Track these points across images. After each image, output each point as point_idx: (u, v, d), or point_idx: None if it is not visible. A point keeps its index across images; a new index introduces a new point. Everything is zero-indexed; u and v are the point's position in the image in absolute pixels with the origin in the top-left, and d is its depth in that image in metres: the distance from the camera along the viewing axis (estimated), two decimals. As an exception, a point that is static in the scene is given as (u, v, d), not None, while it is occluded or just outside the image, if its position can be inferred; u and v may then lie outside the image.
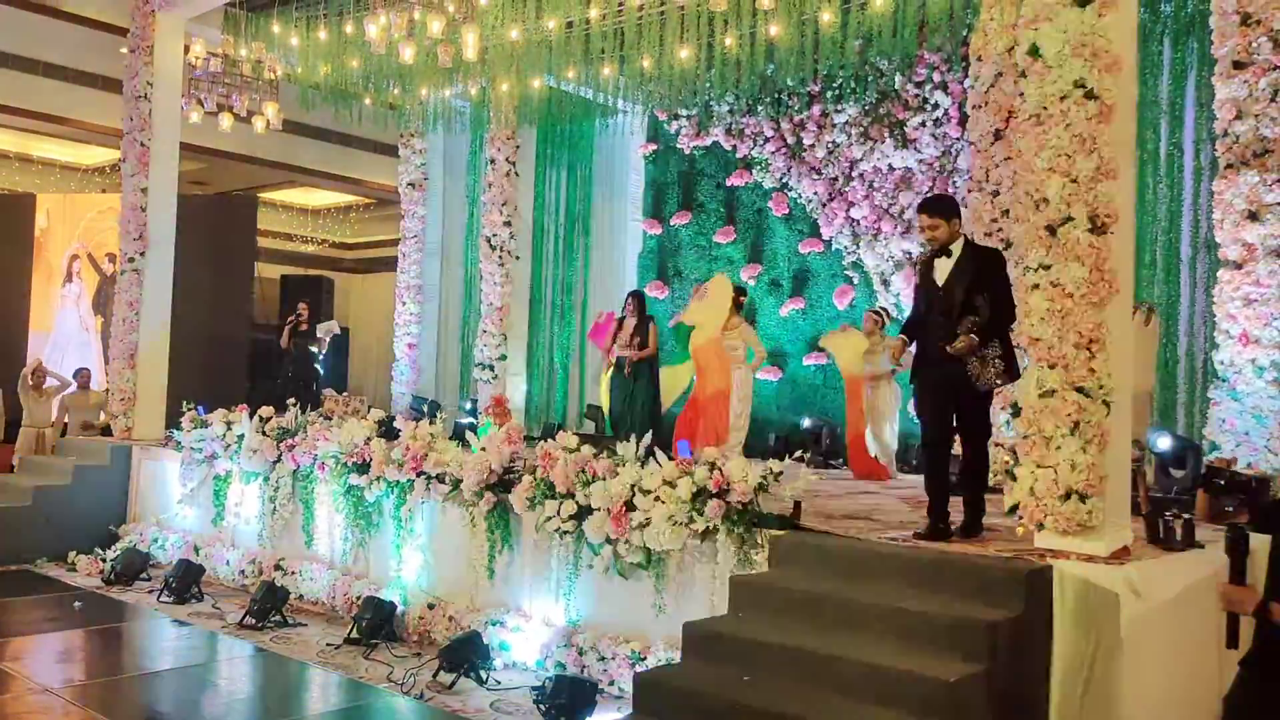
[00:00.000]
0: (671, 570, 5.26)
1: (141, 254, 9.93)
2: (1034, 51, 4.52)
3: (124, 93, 10.18)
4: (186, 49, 9.68)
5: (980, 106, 7.80)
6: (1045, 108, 4.47)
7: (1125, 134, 4.54)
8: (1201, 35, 6.94)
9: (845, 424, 8.95)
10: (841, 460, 9.96)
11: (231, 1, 9.78)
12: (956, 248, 5.14)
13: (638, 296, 9.39)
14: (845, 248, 10.65)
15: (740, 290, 9.05)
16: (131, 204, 9.98)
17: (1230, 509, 3.49)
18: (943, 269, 5.14)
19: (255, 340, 12.74)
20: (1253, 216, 6.32)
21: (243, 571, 7.62)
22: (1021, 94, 4.62)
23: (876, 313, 9.12)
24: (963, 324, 4.92)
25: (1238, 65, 6.38)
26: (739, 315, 8.79)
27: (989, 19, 7.59)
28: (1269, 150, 6.28)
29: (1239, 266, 6.40)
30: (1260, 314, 6.32)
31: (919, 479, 7.88)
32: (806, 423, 10.51)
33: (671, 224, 12.08)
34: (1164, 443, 6.83)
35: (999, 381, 5.01)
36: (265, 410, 7.91)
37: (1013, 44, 6.16)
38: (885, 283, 10.32)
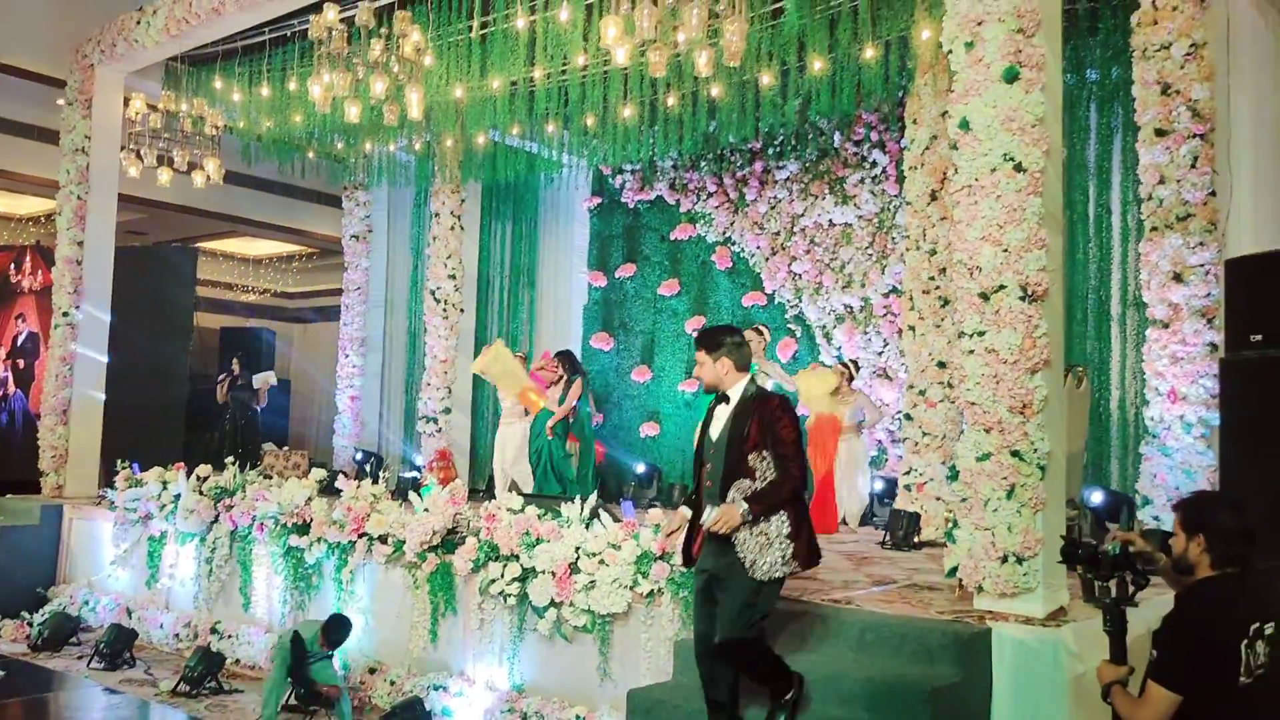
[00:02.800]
0: (617, 633, 5.25)
1: (76, 308, 9.75)
2: (964, 125, 4.67)
3: (61, 146, 10.04)
4: (126, 103, 9.60)
5: (916, 168, 8.03)
6: (976, 179, 4.61)
7: (1054, 204, 4.69)
8: (1126, 101, 7.20)
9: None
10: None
11: (172, 56, 9.71)
12: (736, 392, 4.19)
13: (564, 356, 9.74)
14: (788, 301, 10.79)
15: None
16: (67, 257, 9.82)
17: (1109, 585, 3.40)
18: (719, 421, 4.22)
19: (193, 393, 12.51)
20: (1177, 278, 6.53)
21: (177, 635, 7.43)
22: (945, 175, 4.77)
23: (845, 365, 9.22)
24: (731, 491, 4.05)
25: (1159, 133, 6.62)
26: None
27: (923, 84, 7.84)
28: (1191, 214, 6.51)
29: (1166, 326, 6.59)
30: (1187, 372, 6.50)
31: (873, 534, 8.01)
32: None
33: (616, 276, 12.16)
34: (1098, 498, 6.99)
35: (784, 569, 4.03)
36: (203, 469, 7.76)
37: (945, 110, 6.35)
38: (827, 336, 10.46)
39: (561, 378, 9.49)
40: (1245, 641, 3.06)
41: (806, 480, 4.20)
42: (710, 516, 4.04)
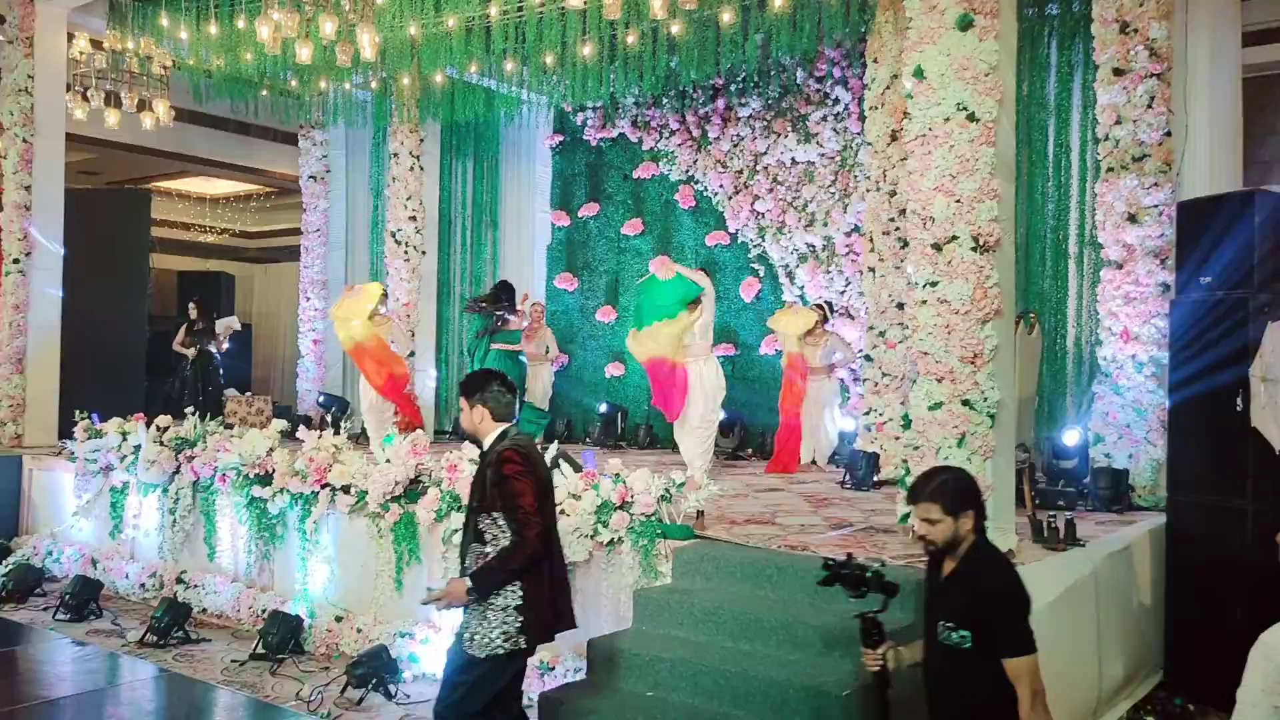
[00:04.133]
0: (578, 582, 5.30)
1: (27, 254, 9.56)
2: (919, 73, 4.65)
3: (2, 86, 9.73)
4: (70, 40, 9.31)
5: (876, 108, 8.01)
6: (930, 128, 4.62)
7: (1007, 153, 4.70)
8: (1087, 38, 7.16)
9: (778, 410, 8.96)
10: (751, 451, 10.14)
11: (116, -8, 9.40)
12: (486, 444, 3.90)
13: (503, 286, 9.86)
14: (751, 240, 10.77)
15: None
16: (15, 202, 9.57)
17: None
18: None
19: (153, 337, 12.35)
20: (1132, 219, 6.60)
21: (143, 585, 7.45)
22: (906, 114, 4.75)
23: (820, 306, 9.26)
24: (469, 558, 3.82)
25: (1117, 72, 6.63)
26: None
27: (884, 21, 7.77)
28: (1146, 155, 6.55)
29: (1120, 266, 6.68)
30: (1140, 312, 6.61)
31: (836, 474, 8.12)
32: (721, 416, 10.63)
33: (579, 216, 12.07)
34: (1073, 438, 7.06)
35: (505, 647, 3.68)
36: (163, 419, 7.71)
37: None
38: (790, 275, 10.48)
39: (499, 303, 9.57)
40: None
41: (545, 542, 3.74)
42: (432, 593, 3.78)
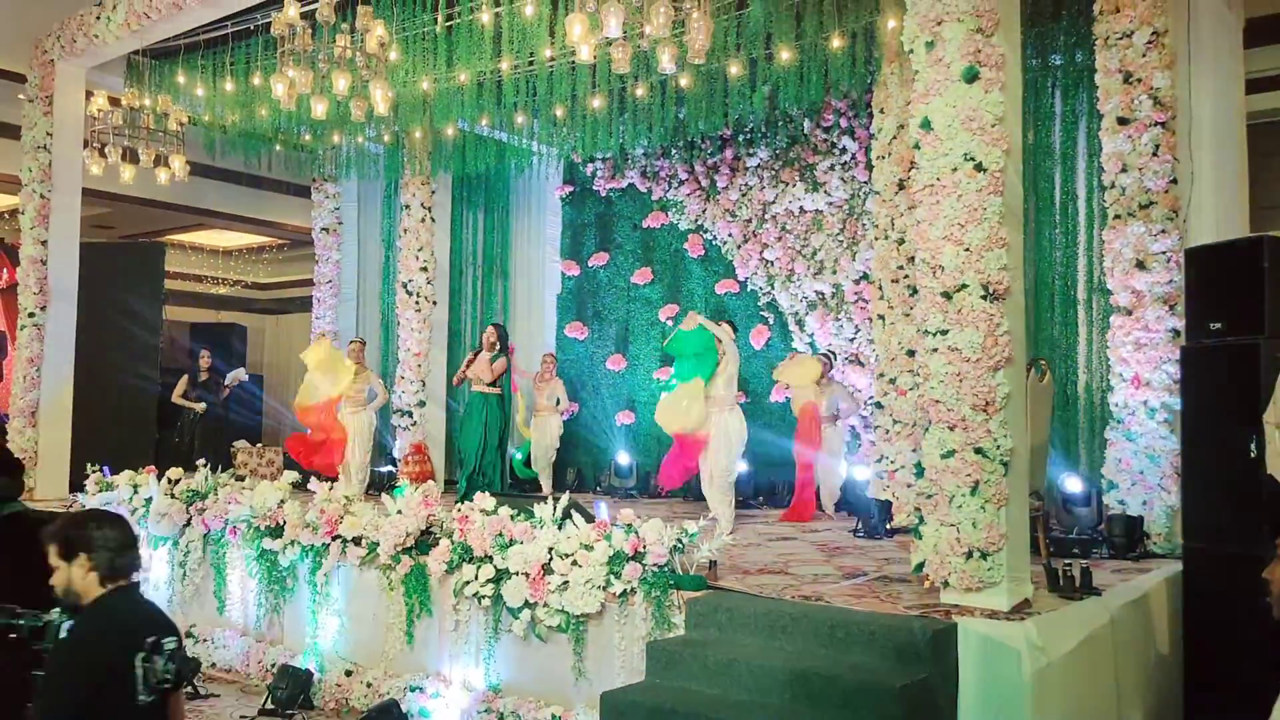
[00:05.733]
0: (591, 634, 5.28)
1: (42, 308, 9.66)
2: (926, 125, 4.70)
3: (22, 143, 9.91)
4: (88, 98, 9.46)
5: (884, 157, 8.07)
6: (938, 178, 4.65)
7: (1014, 202, 4.73)
8: (1090, 87, 7.23)
9: (794, 460, 8.97)
10: (763, 499, 10.09)
11: (134, 50, 9.58)
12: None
13: (498, 329, 9.72)
14: (760, 288, 10.82)
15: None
16: (31, 256, 9.70)
17: None
18: None
19: (164, 389, 12.41)
20: (1140, 265, 6.60)
21: (153, 639, 7.40)
22: (913, 164, 4.80)
23: (825, 356, 9.33)
24: None
25: (1122, 121, 6.68)
26: None
27: (890, 73, 7.86)
28: (1153, 202, 6.58)
29: (1129, 313, 6.68)
30: (1150, 358, 6.59)
31: (846, 522, 8.13)
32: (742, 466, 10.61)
33: (589, 265, 12.15)
34: (1075, 485, 7.05)
35: None
36: (174, 472, 7.73)
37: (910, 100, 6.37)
38: (800, 323, 10.51)
39: (496, 346, 9.48)
40: (142, 656, 2.84)
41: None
42: None
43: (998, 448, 4.51)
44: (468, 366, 9.41)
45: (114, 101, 9.41)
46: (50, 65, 9.74)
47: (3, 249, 12.41)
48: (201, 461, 7.93)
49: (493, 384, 9.35)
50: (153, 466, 8.00)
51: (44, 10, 9.96)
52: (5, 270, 12.27)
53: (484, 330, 10.00)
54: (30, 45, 9.94)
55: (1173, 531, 6.34)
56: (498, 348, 9.41)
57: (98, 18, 9.16)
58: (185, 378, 11.48)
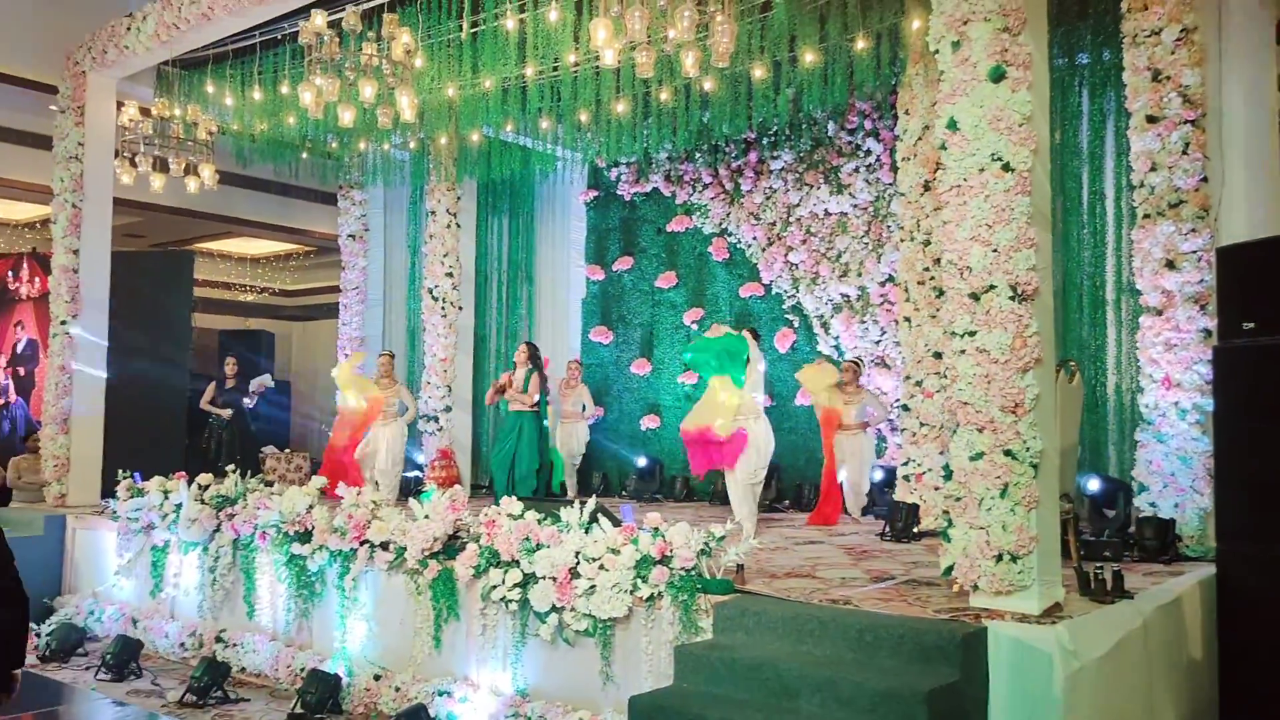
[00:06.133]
0: (618, 638, 5.27)
1: (74, 316, 9.77)
2: (952, 125, 4.67)
3: (54, 153, 10.04)
4: (119, 108, 9.59)
5: (909, 158, 8.03)
6: (965, 179, 4.62)
7: (1042, 203, 4.69)
8: (1118, 85, 7.17)
9: (822, 463, 8.94)
10: (789, 502, 10.06)
11: (164, 61, 9.69)
12: None
13: (531, 347, 9.76)
14: (785, 291, 10.80)
15: None
16: (63, 265, 9.82)
17: None
18: None
19: (193, 396, 12.54)
20: (1170, 265, 6.54)
21: (183, 644, 7.47)
22: (939, 165, 4.77)
23: (854, 362, 9.30)
24: None
25: (1150, 119, 6.61)
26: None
27: (914, 74, 7.83)
28: (1183, 201, 6.51)
29: (1159, 313, 6.60)
30: (1181, 358, 6.52)
31: (873, 525, 8.10)
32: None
33: (614, 269, 12.17)
34: (1094, 485, 7.00)
35: None
36: (204, 478, 7.79)
37: (936, 101, 6.34)
38: (825, 326, 10.47)
39: (529, 366, 9.51)
40: None
41: None
42: None
43: (1027, 449, 4.47)
44: (501, 392, 9.47)
45: (144, 112, 9.53)
46: (82, 76, 9.87)
47: (35, 258, 12.59)
48: (231, 467, 7.99)
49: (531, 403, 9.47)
50: (183, 472, 8.07)
51: (75, 22, 10.11)
52: (38, 279, 12.45)
53: (516, 347, 10.08)
54: (62, 57, 10.08)
55: (1205, 534, 6.27)
56: (530, 366, 9.48)
57: (128, 29, 9.28)
58: (212, 384, 11.61)
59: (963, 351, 4.62)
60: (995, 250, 4.52)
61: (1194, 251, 6.48)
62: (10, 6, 10.55)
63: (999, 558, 4.46)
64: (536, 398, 9.36)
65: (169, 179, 9.53)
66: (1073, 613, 4.57)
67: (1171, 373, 6.54)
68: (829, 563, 6.37)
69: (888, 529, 7.60)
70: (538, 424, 9.43)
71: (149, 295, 11.72)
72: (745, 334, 7.62)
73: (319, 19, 7.02)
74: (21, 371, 12.57)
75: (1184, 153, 6.51)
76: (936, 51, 4.82)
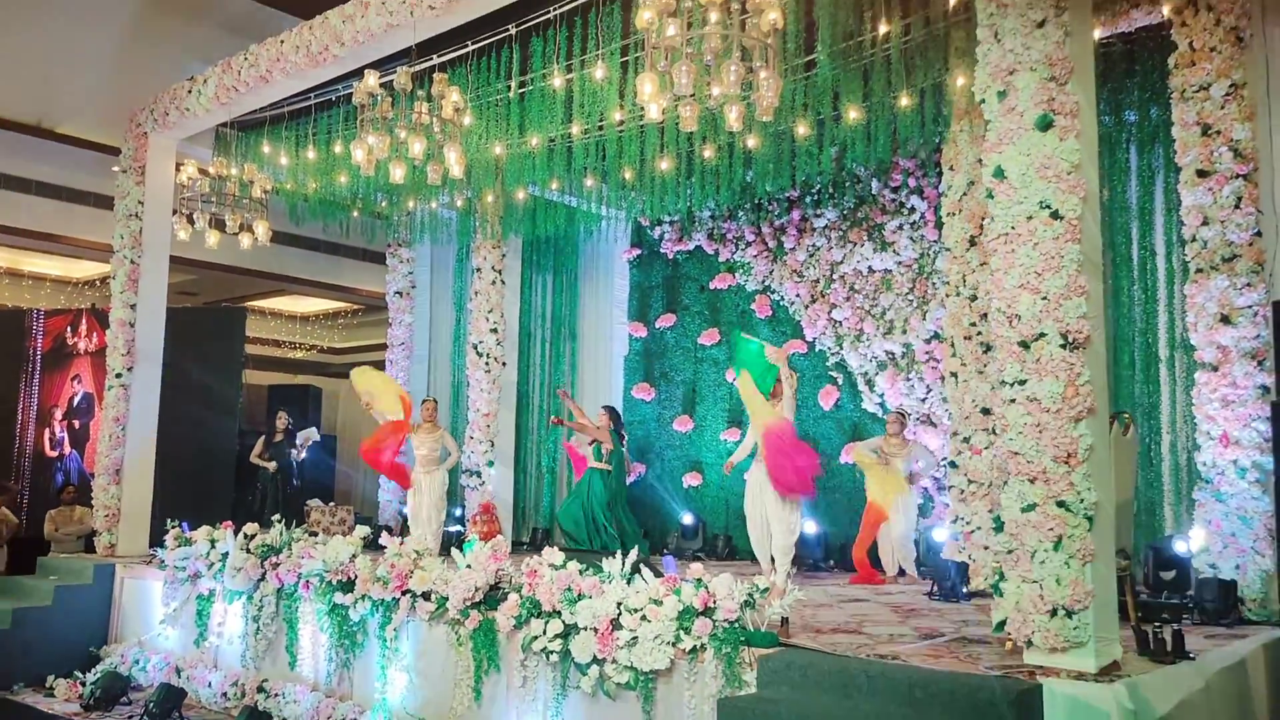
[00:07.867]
0: (660, 691, 5.18)
1: (129, 369, 9.96)
2: (999, 173, 4.67)
3: (115, 211, 10.34)
4: (178, 168, 9.88)
5: (954, 214, 8.01)
6: (1013, 227, 4.60)
7: (1093, 250, 4.65)
8: (1166, 142, 7.14)
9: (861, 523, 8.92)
10: (834, 562, 9.90)
11: (222, 122, 9.99)
12: None
13: (613, 413, 10.26)
14: (829, 349, 10.74)
15: None
16: (120, 319, 10.04)
17: None
18: None
19: (243, 450, 12.69)
20: (1225, 320, 6.44)
21: (225, 694, 7.46)
22: (984, 218, 4.75)
23: (901, 414, 9.24)
24: None
25: (1201, 174, 6.57)
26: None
27: (959, 130, 7.84)
28: (1236, 255, 6.44)
29: (1215, 369, 6.49)
30: (1239, 415, 6.38)
31: (919, 585, 7.94)
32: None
33: (656, 326, 12.20)
34: (1183, 546, 6.71)
35: None
36: (250, 527, 7.85)
37: (981, 156, 6.33)
38: (869, 383, 10.39)
39: (611, 430, 9.89)
40: None
41: None
42: None
43: (1081, 501, 4.37)
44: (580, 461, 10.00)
45: (202, 171, 9.82)
46: (144, 137, 10.19)
47: (94, 314, 12.90)
48: (276, 517, 8.04)
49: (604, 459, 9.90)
50: (229, 522, 8.13)
51: (139, 86, 10.45)
52: (95, 334, 12.74)
53: (599, 412, 10.36)
54: (125, 119, 10.42)
55: (1269, 597, 6.08)
56: (613, 426, 10.00)
57: (189, 91, 9.59)
58: (261, 439, 11.79)
59: (1013, 401, 4.55)
60: (1045, 298, 4.48)
61: (1249, 306, 6.38)
62: (76, 74, 10.98)
63: (1053, 612, 4.34)
64: (608, 465, 9.87)
65: (223, 237, 9.77)
66: (1131, 672, 4.42)
67: (1229, 429, 6.40)
68: (875, 619, 6.24)
69: (935, 588, 7.44)
70: (606, 482, 9.81)
71: (202, 351, 11.95)
72: (780, 353, 7.59)
73: (372, 79, 7.22)
74: (77, 424, 12.81)
75: (1236, 207, 6.45)
76: (983, 101, 4.84)
